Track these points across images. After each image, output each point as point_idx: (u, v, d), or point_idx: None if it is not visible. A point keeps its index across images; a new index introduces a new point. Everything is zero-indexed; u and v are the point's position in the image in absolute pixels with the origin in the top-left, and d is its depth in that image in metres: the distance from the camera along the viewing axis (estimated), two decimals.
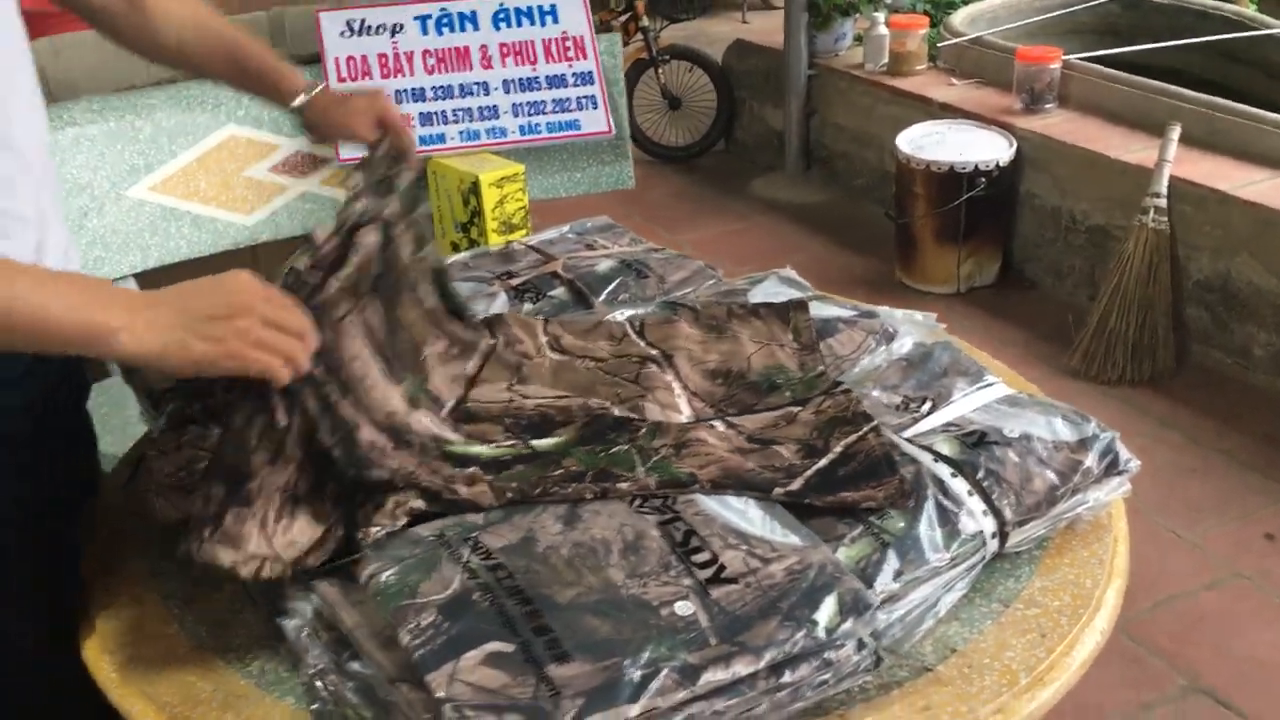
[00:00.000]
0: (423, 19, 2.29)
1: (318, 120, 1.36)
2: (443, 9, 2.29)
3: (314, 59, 2.27)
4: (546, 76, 2.31)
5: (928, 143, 3.31)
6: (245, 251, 2.26)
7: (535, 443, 1.13)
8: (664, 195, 4.18)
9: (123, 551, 1.16)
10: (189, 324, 0.92)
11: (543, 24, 2.34)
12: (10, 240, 1.03)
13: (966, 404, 1.20)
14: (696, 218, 3.97)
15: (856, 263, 3.59)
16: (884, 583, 1.00)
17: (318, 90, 1.35)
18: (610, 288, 1.55)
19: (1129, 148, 3.09)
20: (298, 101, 1.34)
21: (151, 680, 1.01)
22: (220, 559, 0.94)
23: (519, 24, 2.33)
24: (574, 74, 2.32)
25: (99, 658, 1.04)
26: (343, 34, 2.25)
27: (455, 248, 2.22)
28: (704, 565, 0.96)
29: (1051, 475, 1.10)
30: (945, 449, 1.12)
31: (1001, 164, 3.19)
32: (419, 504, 1.03)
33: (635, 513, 1.02)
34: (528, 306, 1.50)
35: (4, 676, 1.12)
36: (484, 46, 2.30)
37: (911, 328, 1.38)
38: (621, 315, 1.41)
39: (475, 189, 2.12)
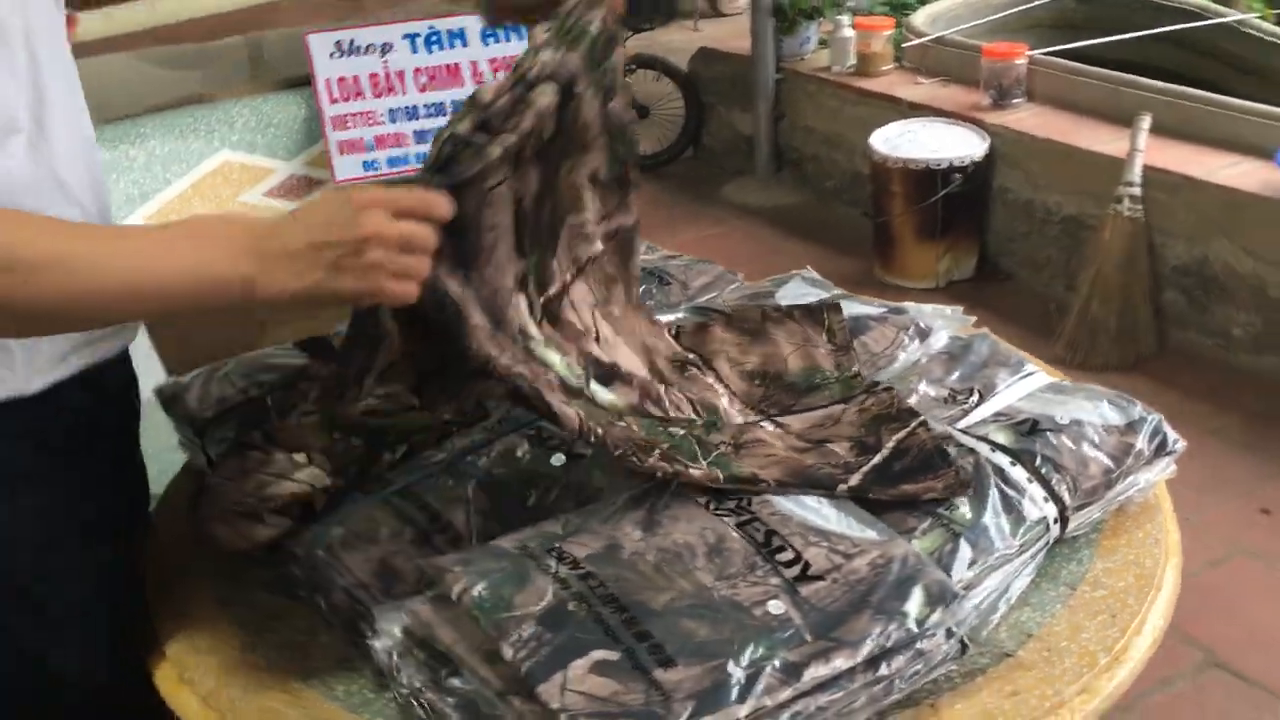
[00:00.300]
0: (412, 37, 2.29)
1: None
2: (431, 27, 2.30)
3: (299, 82, 2.27)
4: None
5: (902, 141, 3.35)
6: None
7: (595, 388, 1.10)
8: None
9: (187, 580, 1.15)
10: (324, 261, 0.87)
11: None
12: None
13: (1012, 393, 1.23)
14: (672, 225, 4.00)
15: (836, 262, 3.63)
16: (960, 572, 1.02)
17: None
18: None
19: (1099, 139, 3.15)
20: None
21: (237, 709, 1.00)
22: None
23: (507, 39, 2.33)
24: None
25: (177, 689, 1.04)
26: (332, 55, 2.25)
27: None
28: (789, 564, 0.97)
29: (1105, 459, 1.13)
30: (1001, 438, 1.15)
31: (975, 160, 3.24)
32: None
33: (712, 515, 1.03)
34: None
35: (54, 702, 1.11)
36: (474, 63, 2.31)
37: (943, 322, 1.40)
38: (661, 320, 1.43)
39: None
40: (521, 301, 1.07)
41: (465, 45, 2.31)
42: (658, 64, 4.54)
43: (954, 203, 3.27)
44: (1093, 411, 1.18)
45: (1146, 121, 2.99)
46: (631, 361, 1.19)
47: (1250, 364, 2.86)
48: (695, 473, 1.05)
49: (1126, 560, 1.11)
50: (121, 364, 1.09)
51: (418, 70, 2.28)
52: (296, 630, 1.08)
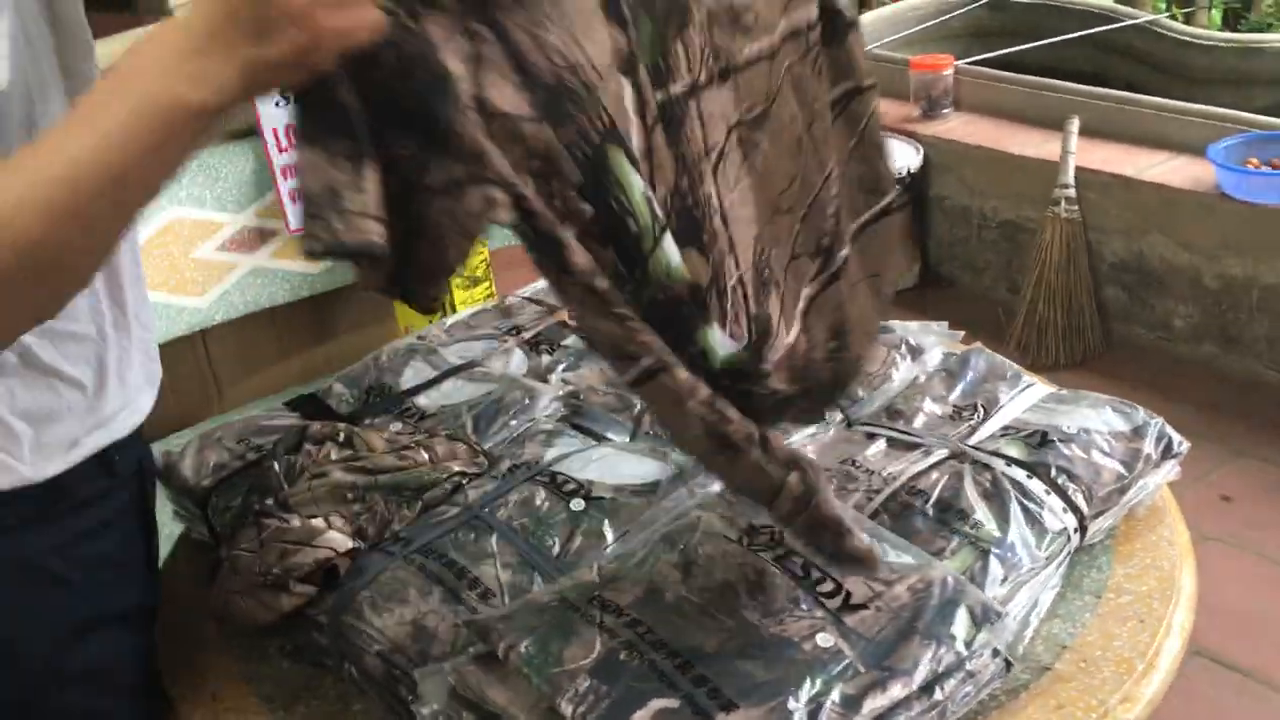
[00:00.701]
0: None
1: None
2: None
3: (246, 132, 2.23)
4: None
5: None
6: (197, 336, 2.20)
7: (666, 243, 0.79)
8: None
9: (205, 658, 1.12)
10: (244, 32, 0.70)
11: None
12: (65, 370, 0.97)
13: (1016, 406, 1.25)
14: None
15: None
16: (993, 589, 1.03)
17: None
18: None
19: (1029, 144, 3.23)
20: None
21: None
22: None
23: None
24: None
25: None
26: (276, 104, 2.21)
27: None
28: (830, 595, 0.98)
29: (1117, 466, 1.15)
30: (1013, 452, 1.16)
31: (912, 170, 3.30)
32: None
33: (748, 551, 1.02)
34: (545, 359, 1.50)
35: None
36: None
37: (932, 338, 1.42)
38: None
39: None
40: (624, 88, 0.79)
41: None
42: None
43: None
44: (1098, 419, 1.20)
45: (1075, 124, 3.06)
46: (743, 233, 0.87)
47: (1191, 353, 2.94)
48: (680, 374, 0.81)
49: (1145, 564, 1.13)
50: (133, 443, 1.06)
51: None
52: (327, 700, 1.05)
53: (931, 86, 3.47)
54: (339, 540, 1.04)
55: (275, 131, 2.21)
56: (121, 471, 1.03)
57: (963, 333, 1.45)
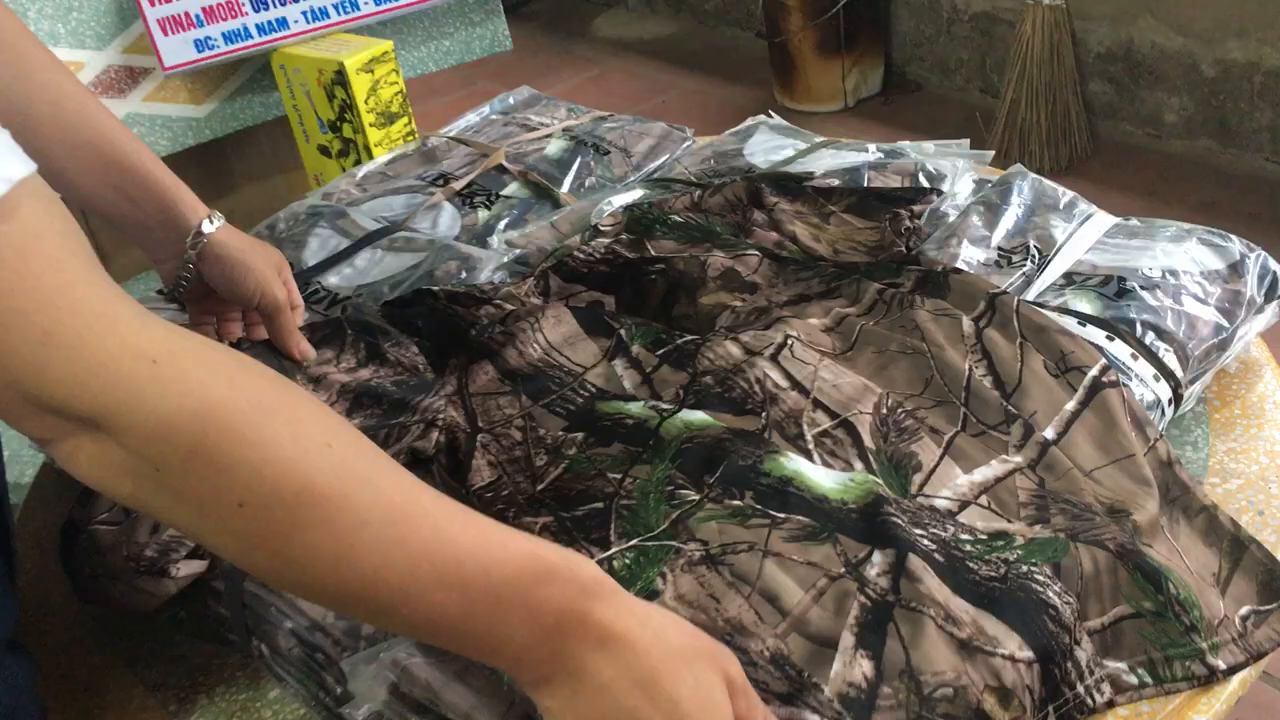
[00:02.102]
0: None
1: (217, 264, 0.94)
2: None
3: None
4: None
5: None
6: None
7: (681, 416, 0.83)
8: (503, 53, 3.82)
9: (78, 637, 0.87)
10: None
11: None
12: None
13: (1077, 245, 1.00)
14: (548, 72, 3.64)
15: (731, 93, 3.35)
16: None
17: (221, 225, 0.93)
18: (571, 173, 1.28)
19: None
20: (210, 227, 0.92)
21: None
22: None
23: None
24: None
25: None
26: None
27: (325, 151, 1.89)
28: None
29: (1214, 314, 0.91)
30: (1085, 306, 0.92)
31: None
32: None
33: None
34: (482, 215, 1.22)
35: None
36: None
37: (957, 162, 1.16)
38: (616, 201, 1.15)
39: (341, 78, 1.78)
40: (616, 367, 0.90)
41: None
42: None
43: (854, 11, 2.99)
44: (1184, 256, 0.96)
45: None
46: (837, 392, 0.85)
47: (1186, 150, 2.71)
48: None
49: (1249, 436, 0.91)
50: None
51: None
52: (235, 687, 0.81)
53: None
54: None
55: None
56: None
57: (991, 153, 1.19)
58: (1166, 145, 2.73)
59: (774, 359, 0.86)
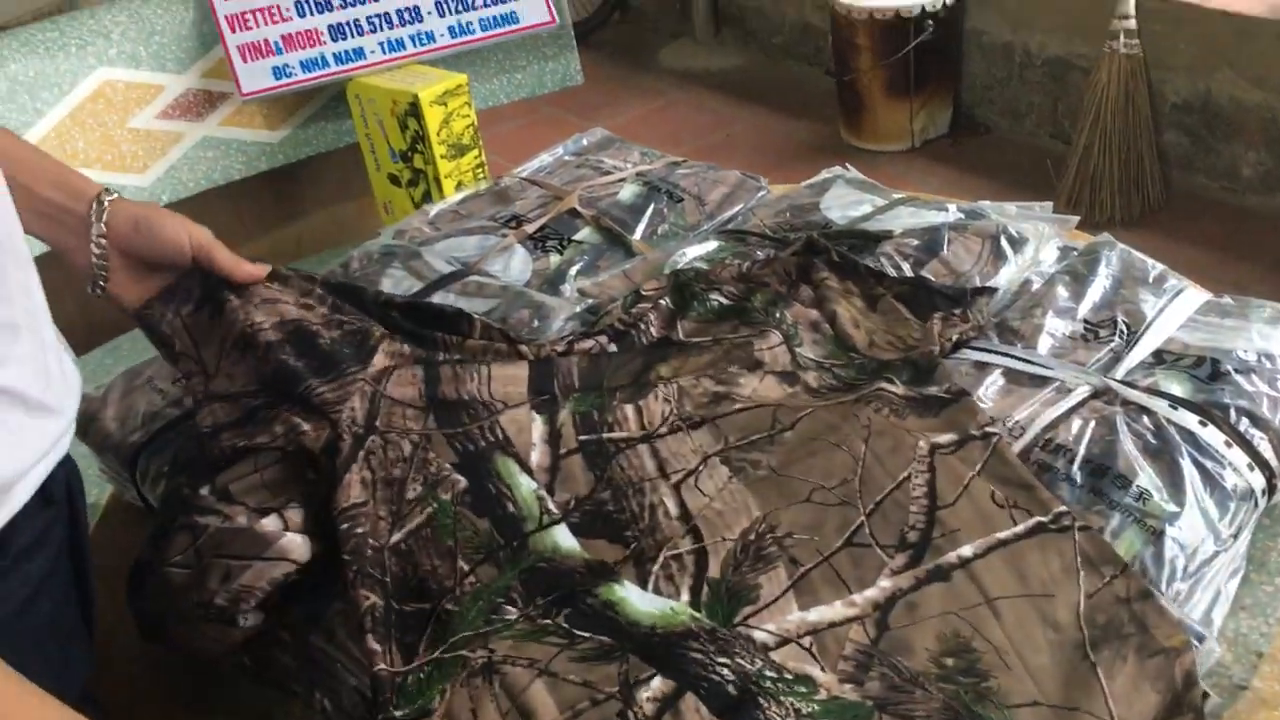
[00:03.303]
0: None
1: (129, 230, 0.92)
2: None
3: None
4: None
5: None
6: None
7: (556, 531, 0.82)
8: None
9: (141, 676, 0.87)
10: None
11: None
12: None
13: (1168, 322, 0.97)
14: (613, 101, 3.64)
15: (796, 128, 3.33)
16: (1174, 583, 0.78)
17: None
18: (645, 220, 1.27)
19: None
20: (109, 195, 0.91)
21: None
22: None
23: None
24: None
25: None
26: None
27: (395, 180, 1.89)
28: None
29: None
30: (1177, 389, 0.89)
31: (948, 2, 2.93)
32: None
33: None
34: (554, 259, 1.21)
35: None
36: None
37: (1041, 226, 1.13)
38: (690, 253, 1.14)
39: (415, 110, 1.79)
40: (535, 422, 0.89)
41: None
42: None
43: (926, 52, 2.97)
44: (1278, 339, 0.93)
45: None
46: (719, 523, 0.82)
47: (1262, 205, 2.65)
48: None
49: None
50: (65, 467, 0.78)
51: None
52: None
53: None
54: (298, 547, 0.77)
55: None
56: (57, 496, 0.76)
57: (1077, 218, 1.16)
58: (1242, 199, 2.68)
59: (677, 487, 0.84)
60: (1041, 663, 0.71)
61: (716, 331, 1.00)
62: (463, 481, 0.82)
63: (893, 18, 2.92)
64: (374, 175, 1.93)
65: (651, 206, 1.29)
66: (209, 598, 0.76)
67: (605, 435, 0.88)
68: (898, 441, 0.84)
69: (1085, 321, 0.98)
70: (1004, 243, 1.11)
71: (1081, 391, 0.90)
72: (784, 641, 0.73)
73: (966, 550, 0.76)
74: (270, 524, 0.77)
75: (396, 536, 0.79)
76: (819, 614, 0.74)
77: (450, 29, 1.94)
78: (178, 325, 0.91)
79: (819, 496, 0.81)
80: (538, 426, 0.88)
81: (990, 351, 0.97)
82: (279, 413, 0.84)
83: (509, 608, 0.76)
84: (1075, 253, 1.08)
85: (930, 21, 2.91)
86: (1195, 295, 1.01)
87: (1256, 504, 0.84)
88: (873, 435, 0.85)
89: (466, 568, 0.78)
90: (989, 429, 0.85)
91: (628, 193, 1.32)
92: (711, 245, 1.18)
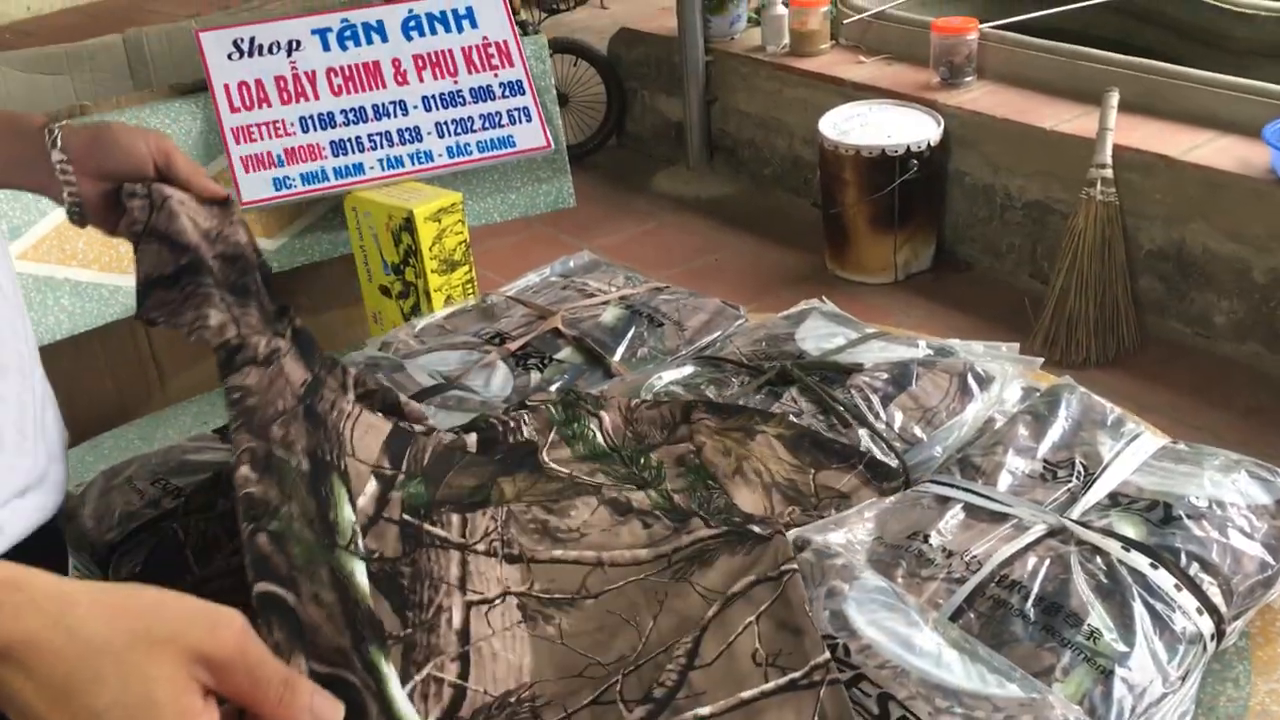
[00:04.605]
0: (322, 33, 1.98)
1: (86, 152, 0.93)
2: (344, 20, 1.99)
3: (191, 88, 1.95)
4: (471, 89, 2.04)
5: (852, 126, 3.13)
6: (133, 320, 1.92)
7: (355, 564, 0.81)
8: None
9: None
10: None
11: (459, 29, 2.05)
12: None
13: (1123, 465, 1.00)
14: (605, 221, 3.73)
15: (783, 257, 3.41)
16: None
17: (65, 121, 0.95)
18: (625, 342, 1.31)
19: (1061, 118, 2.97)
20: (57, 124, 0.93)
21: None
22: None
23: (433, 31, 2.04)
24: (501, 84, 2.05)
25: None
26: (230, 56, 1.94)
27: (386, 291, 1.94)
28: None
29: (1261, 550, 0.91)
30: (1130, 531, 0.92)
31: (932, 144, 3.04)
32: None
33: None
34: (534, 377, 1.24)
35: None
36: (396, 60, 2.01)
37: (1005, 366, 1.17)
38: (667, 376, 1.17)
39: (409, 225, 1.84)
40: (371, 481, 0.90)
41: (385, 40, 2.01)
42: (575, 48, 4.26)
43: (910, 190, 3.06)
44: (1231, 488, 0.96)
45: (1115, 98, 2.81)
46: (493, 666, 0.83)
47: (1234, 352, 2.71)
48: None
49: None
50: (50, 533, 0.80)
51: (331, 70, 1.98)
52: None
53: (954, 52, 3.20)
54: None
55: (227, 88, 1.93)
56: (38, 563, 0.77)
57: (1041, 359, 1.20)
58: (1215, 346, 2.74)
59: (469, 605, 0.85)
60: None
61: (576, 469, 1.01)
62: (307, 464, 0.82)
63: (879, 156, 3.02)
64: (365, 285, 1.97)
65: (632, 330, 1.33)
66: None
67: (426, 526, 0.89)
68: (684, 616, 0.85)
69: (1045, 461, 1.01)
70: (971, 380, 1.15)
71: (1038, 529, 0.92)
72: None
73: (705, 710, 0.77)
74: None
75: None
76: None
77: (448, 149, 2.00)
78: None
79: (591, 671, 0.82)
80: (371, 486, 0.90)
81: (952, 486, 0.99)
82: (205, 294, 0.86)
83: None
84: (1038, 394, 1.11)
85: (915, 161, 3.01)
86: (1151, 440, 1.04)
87: (1205, 648, 0.86)
88: (663, 611, 0.85)
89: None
90: (785, 567, 0.85)
91: (610, 315, 1.36)
92: (688, 370, 1.21)
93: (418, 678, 0.79)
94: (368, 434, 0.92)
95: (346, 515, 0.83)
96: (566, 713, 0.79)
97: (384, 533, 0.87)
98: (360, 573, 0.80)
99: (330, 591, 0.74)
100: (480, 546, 0.90)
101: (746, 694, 0.77)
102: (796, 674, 0.78)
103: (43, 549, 0.80)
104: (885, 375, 1.16)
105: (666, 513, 0.95)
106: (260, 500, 0.75)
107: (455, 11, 2.05)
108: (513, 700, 0.80)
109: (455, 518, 0.91)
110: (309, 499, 0.80)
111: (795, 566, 0.85)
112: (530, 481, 0.97)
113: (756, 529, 0.91)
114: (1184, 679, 0.84)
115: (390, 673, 0.74)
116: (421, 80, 2.01)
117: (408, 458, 0.93)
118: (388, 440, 0.93)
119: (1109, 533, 0.91)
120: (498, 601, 0.86)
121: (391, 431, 0.95)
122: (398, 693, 0.73)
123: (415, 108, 2.00)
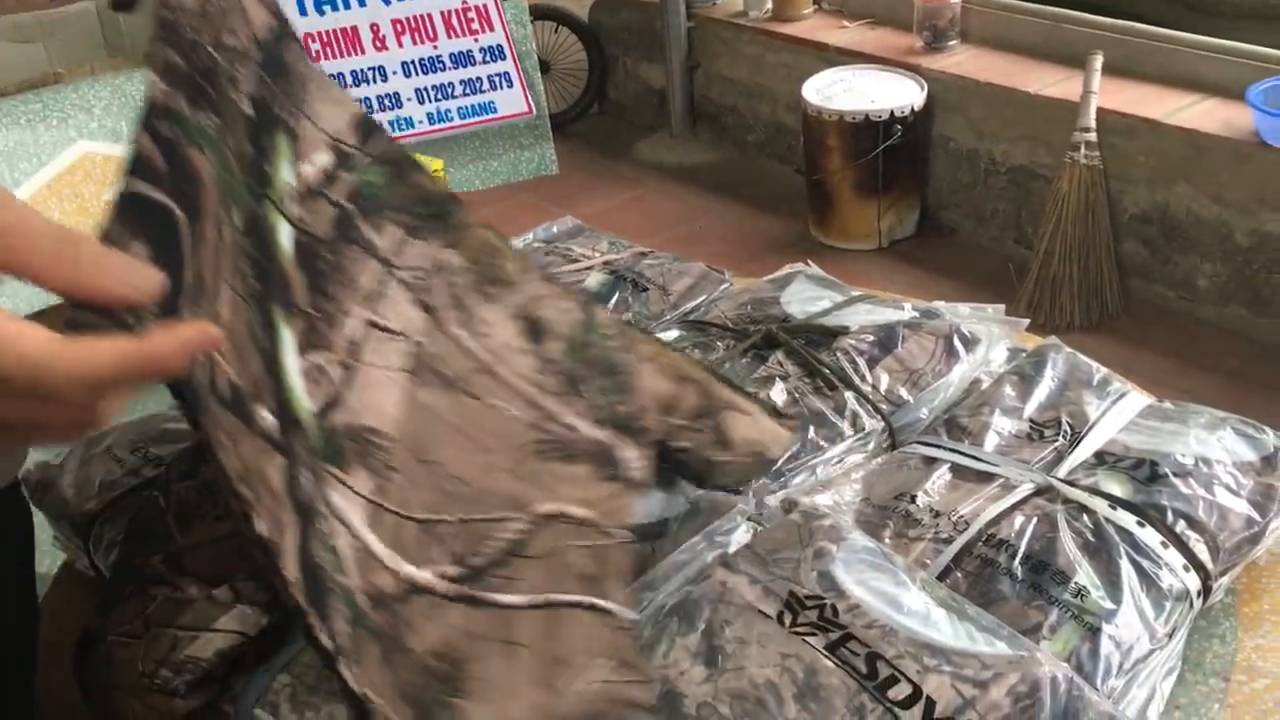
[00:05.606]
0: None
1: None
2: None
3: None
4: (451, 54, 2.02)
5: (835, 92, 3.12)
6: None
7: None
8: None
9: None
10: None
11: None
12: None
13: (1110, 424, 1.00)
14: (588, 189, 3.70)
15: (767, 223, 3.40)
16: (1108, 680, 0.79)
17: None
18: (610, 307, 1.30)
19: (1045, 81, 2.96)
20: None
21: None
22: None
23: None
24: (481, 49, 2.04)
25: None
26: None
27: None
28: (907, 703, 0.73)
29: (1247, 507, 0.91)
30: (1116, 489, 0.92)
31: (916, 109, 3.02)
32: None
33: (791, 636, 0.78)
34: None
35: None
36: (375, 25, 1.99)
37: (992, 328, 1.17)
38: None
39: None
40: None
41: (363, 4, 1.99)
42: (556, 15, 4.22)
43: (895, 155, 3.05)
44: (1217, 445, 0.96)
45: (1099, 61, 2.80)
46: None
47: (1217, 316, 2.72)
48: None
49: (1279, 634, 0.90)
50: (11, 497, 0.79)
51: (309, 36, 1.96)
52: None
53: (937, 15, 3.18)
54: (247, 618, 0.78)
55: None
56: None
57: (1027, 320, 1.20)
58: (1198, 310, 2.74)
59: (370, 324, 0.76)
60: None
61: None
62: (251, 110, 0.73)
63: (862, 121, 3.00)
64: None
65: (616, 295, 1.32)
66: (153, 669, 0.76)
67: (360, 223, 0.79)
68: (525, 496, 0.76)
69: (1031, 421, 1.01)
70: (957, 342, 1.15)
71: (1025, 489, 0.92)
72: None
73: (518, 598, 0.71)
74: (223, 595, 0.78)
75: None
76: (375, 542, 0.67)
77: (429, 115, 1.99)
78: None
79: (433, 481, 0.74)
80: (324, 157, 0.79)
81: (939, 447, 0.99)
82: None
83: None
84: (1023, 354, 1.11)
85: (899, 126, 2.99)
86: (1137, 399, 1.04)
87: (1192, 605, 0.86)
88: (514, 475, 0.77)
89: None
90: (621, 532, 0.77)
91: (594, 280, 1.35)
92: (673, 334, 1.21)
93: (309, 359, 0.71)
94: (337, 108, 0.81)
95: (284, 176, 0.74)
96: (402, 514, 0.70)
97: (320, 209, 0.76)
98: (285, 234, 0.72)
99: (239, 232, 0.66)
100: (404, 275, 0.79)
101: (555, 596, 0.72)
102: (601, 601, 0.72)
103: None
104: (871, 338, 1.16)
105: (562, 374, 0.84)
106: (161, 107, 0.63)
107: None
108: (374, 439, 0.72)
109: (395, 231, 0.80)
110: (245, 143, 0.70)
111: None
112: (490, 254, 0.85)
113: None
114: (1171, 635, 0.84)
115: (288, 341, 0.68)
116: (401, 45, 1.99)
117: (376, 141, 0.82)
118: (360, 120, 0.82)
119: (1095, 491, 0.91)
120: (393, 339, 0.77)
121: (365, 115, 0.83)
122: (291, 363, 0.68)
123: (395, 73, 1.98)
